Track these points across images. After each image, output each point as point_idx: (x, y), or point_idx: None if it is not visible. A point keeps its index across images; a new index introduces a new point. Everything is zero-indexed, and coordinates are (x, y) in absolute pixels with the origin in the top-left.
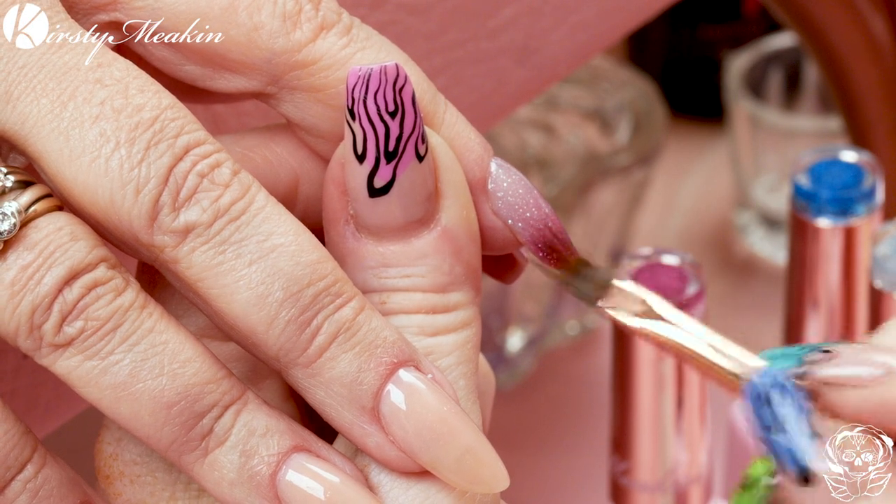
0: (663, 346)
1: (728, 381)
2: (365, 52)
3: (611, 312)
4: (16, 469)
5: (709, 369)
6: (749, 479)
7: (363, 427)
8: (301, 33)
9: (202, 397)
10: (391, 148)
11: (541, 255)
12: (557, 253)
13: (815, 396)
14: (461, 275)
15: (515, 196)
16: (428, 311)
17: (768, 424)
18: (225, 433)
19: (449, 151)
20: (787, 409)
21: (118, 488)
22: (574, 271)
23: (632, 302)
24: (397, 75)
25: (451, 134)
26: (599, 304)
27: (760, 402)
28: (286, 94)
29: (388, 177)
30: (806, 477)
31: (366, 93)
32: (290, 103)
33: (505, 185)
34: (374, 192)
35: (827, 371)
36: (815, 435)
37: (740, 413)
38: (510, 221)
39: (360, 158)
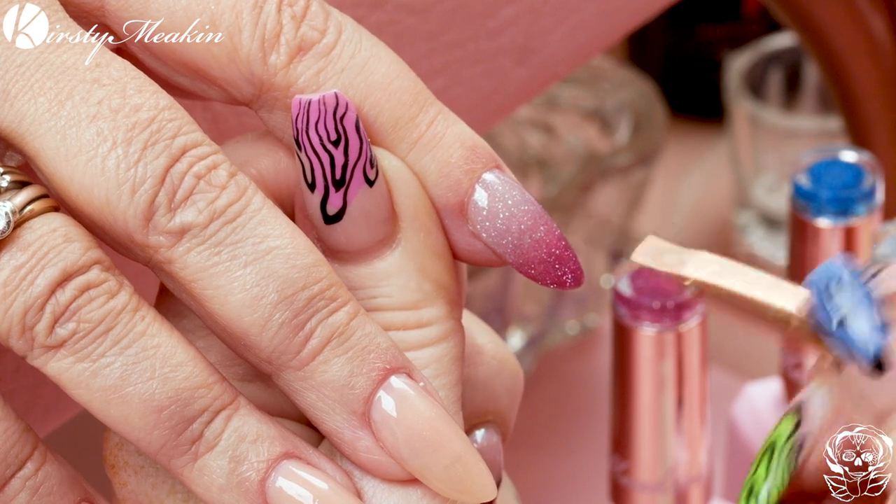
0: (708, 291)
1: (781, 318)
2: (343, 74)
3: (645, 262)
4: (15, 467)
5: (760, 308)
6: (775, 442)
7: (353, 432)
8: (277, 57)
9: (193, 401)
10: (338, 176)
11: (532, 273)
12: (558, 270)
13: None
14: (431, 291)
15: (513, 217)
16: (399, 327)
17: (834, 321)
18: (215, 438)
19: (404, 172)
20: (850, 299)
21: (122, 478)
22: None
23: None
24: (336, 104)
25: (425, 158)
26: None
27: (823, 297)
28: (266, 111)
29: (340, 204)
30: (878, 364)
31: (307, 123)
32: (271, 120)
33: (509, 202)
34: (329, 220)
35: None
36: (883, 322)
37: (740, 413)
38: (496, 245)
39: (311, 187)
